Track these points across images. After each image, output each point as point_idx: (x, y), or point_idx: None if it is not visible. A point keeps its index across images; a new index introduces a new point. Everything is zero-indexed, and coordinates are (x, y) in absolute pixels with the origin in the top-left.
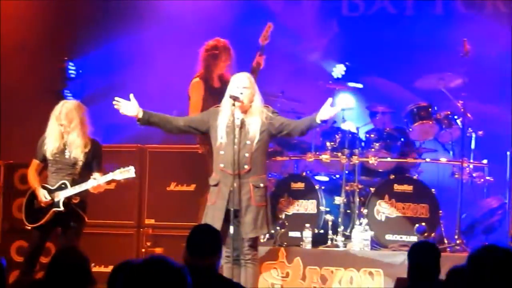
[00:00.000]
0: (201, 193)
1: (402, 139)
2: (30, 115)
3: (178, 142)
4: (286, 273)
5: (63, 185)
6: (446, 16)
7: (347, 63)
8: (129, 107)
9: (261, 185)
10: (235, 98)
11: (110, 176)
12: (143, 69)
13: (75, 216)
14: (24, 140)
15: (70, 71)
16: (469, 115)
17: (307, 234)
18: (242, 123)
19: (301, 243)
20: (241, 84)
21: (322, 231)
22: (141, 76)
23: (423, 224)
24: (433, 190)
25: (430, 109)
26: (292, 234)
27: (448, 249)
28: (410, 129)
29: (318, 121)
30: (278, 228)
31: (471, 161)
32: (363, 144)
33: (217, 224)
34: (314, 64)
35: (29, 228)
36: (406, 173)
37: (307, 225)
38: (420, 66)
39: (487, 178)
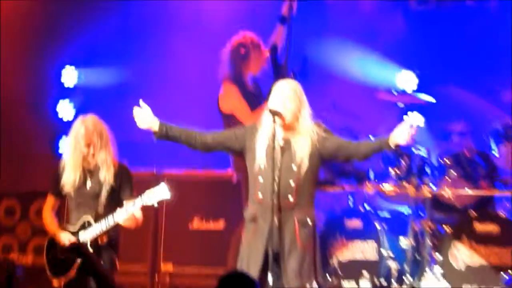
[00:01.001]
0: (232, 231)
1: (485, 166)
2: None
3: (204, 167)
4: None
5: (86, 224)
6: None
7: (416, 70)
8: (141, 117)
9: (309, 222)
10: (275, 113)
11: (138, 201)
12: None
13: (105, 259)
14: (11, 163)
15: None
16: None
17: (366, 285)
18: (287, 144)
19: None
20: (283, 95)
21: (384, 281)
22: (159, 87)
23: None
24: None
25: None
26: (346, 284)
27: None
28: (496, 153)
29: (392, 146)
30: (328, 277)
31: None
32: (436, 172)
33: (254, 270)
34: (373, 71)
35: (56, 285)
36: (490, 209)
37: (366, 273)
38: (508, 73)
39: None
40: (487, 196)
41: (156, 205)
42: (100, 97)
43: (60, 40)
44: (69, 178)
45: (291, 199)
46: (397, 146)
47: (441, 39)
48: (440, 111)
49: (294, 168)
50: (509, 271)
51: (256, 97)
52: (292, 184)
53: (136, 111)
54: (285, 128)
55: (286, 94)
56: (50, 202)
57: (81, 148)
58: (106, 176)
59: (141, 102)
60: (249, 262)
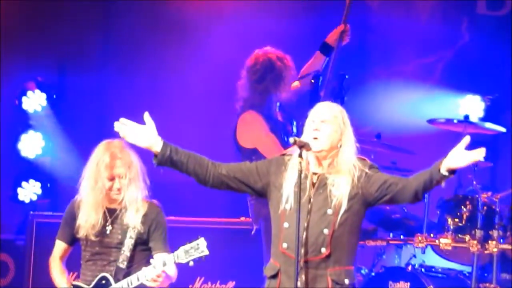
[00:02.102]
0: None
1: None
2: None
3: (210, 214)
4: None
5: (103, 281)
6: None
7: (489, 96)
8: (141, 133)
9: (346, 281)
10: (301, 145)
11: (170, 259)
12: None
13: None
14: None
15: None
16: None
17: None
18: (322, 182)
19: None
20: (318, 117)
21: None
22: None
23: None
24: None
25: None
26: None
27: None
28: None
29: (444, 172)
30: None
31: None
32: (505, 223)
33: None
34: (429, 94)
35: None
36: None
37: None
38: None
39: None
40: None
41: (192, 263)
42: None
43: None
44: (87, 220)
45: (324, 251)
46: (453, 171)
47: None
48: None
49: (330, 212)
50: None
51: (285, 129)
52: (326, 232)
53: (136, 125)
54: (319, 161)
55: (324, 116)
56: (59, 249)
57: (104, 182)
58: (133, 219)
59: (146, 115)
60: None
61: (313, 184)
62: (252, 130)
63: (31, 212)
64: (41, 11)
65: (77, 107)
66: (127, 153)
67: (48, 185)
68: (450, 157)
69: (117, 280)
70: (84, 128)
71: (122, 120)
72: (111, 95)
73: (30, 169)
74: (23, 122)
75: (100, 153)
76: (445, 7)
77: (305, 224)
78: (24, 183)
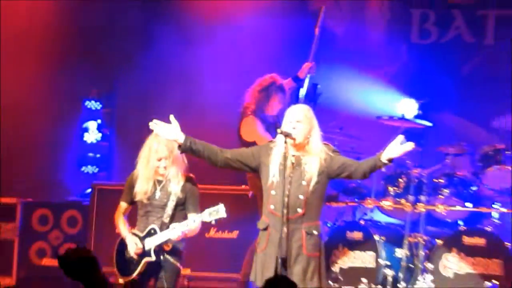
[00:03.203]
0: (245, 241)
1: (475, 186)
2: (49, 146)
3: (221, 183)
4: None
5: (152, 231)
6: None
7: (421, 100)
8: (168, 130)
9: (315, 232)
10: (286, 135)
11: (199, 218)
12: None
13: (168, 265)
14: (43, 175)
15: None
16: None
17: None
18: (298, 162)
19: None
20: (294, 118)
21: (380, 287)
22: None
23: (496, 282)
24: (508, 244)
25: (507, 152)
26: None
27: None
28: (485, 175)
29: (384, 160)
30: (330, 282)
31: None
32: (430, 190)
33: (267, 275)
34: (378, 97)
35: (122, 282)
36: (478, 224)
37: (364, 280)
38: (499, 103)
39: None
40: (475, 213)
41: (214, 222)
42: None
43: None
44: (142, 188)
45: (300, 211)
46: (390, 160)
47: (439, 70)
48: (436, 135)
49: (304, 183)
50: (493, 280)
51: (275, 128)
52: (301, 197)
53: (165, 124)
54: (296, 147)
55: (298, 117)
56: (122, 207)
57: (154, 162)
58: (175, 189)
59: (171, 117)
60: (263, 268)
61: (292, 164)
62: (253, 130)
63: (93, 182)
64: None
65: (125, 107)
66: (170, 141)
67: (104, 163)
68: (388, 149)
69: (162, 230)
70: (129, 123)
71: (154, 120)
72: (150, 98)
73: (93, 150)
74: (87, 117)
75: (151, 141)
76: (390, 36)
77: (287, 192)
78: (89, 155)
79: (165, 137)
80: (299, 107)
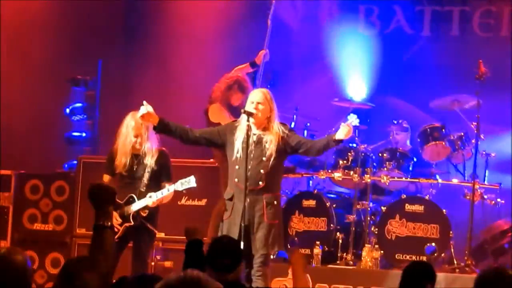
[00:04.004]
0: (212, 208)
1: (414, 159)
2: (40, 124)
3: (190, 157)
4: None
5: (130, 199)
6: (462, 37)
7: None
8: (145, 112)
9: (275, 202)
10: (249, 114)
11: (172, 188)
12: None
13: (145, 229)
14: (35, 150)
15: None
16: (482, 136)
17: (317, 252)
18: (259, 140)
19: (311, 260)
20: (255, 99)
21: (332, 249)
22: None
23: (433, 244)
24: (444, 210)
25: (443, 130)
26: (302, 251)
27: (458, 270)
28: (423, 150)
29: (335, 140)
30: (288, 245)
31: (483, 183)
32: (375, 163)
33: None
34: (329, 82)
35: None
36: (417, 193)
37: (318, 242)
38: (435, 87)
39: (499, 200)
40: (415, 183)
41: (184, 191)
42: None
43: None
44: (121, 162)
45: (261, 184)
46: (339, 141)
47: (383, 58)
48: (380, 115)
49: (264, 159)
50: (432, 243)
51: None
52: (262, 172)
53: (142, 108)
54: (258, 126)
55: (259, 99)
56: (105, 179)
57: (131, 138)
58: (150, 161)
59: (144, 102)
60: (229, 233)
61: (254, 141)
62: (219, 115)
63: (79, 156)
64: None
65: (107, 91)
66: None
67: (89, 139)
68: (339, 131)
69: (139, 198)
70: (110, 104)
71: (145, 102)
72: (130, 84)
73: (79, 127)
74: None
75: (129, 118)
76: (338, 27)
77: (249, 167)
78: (75, 134)
79: (143, 120)
80: (261, 90)
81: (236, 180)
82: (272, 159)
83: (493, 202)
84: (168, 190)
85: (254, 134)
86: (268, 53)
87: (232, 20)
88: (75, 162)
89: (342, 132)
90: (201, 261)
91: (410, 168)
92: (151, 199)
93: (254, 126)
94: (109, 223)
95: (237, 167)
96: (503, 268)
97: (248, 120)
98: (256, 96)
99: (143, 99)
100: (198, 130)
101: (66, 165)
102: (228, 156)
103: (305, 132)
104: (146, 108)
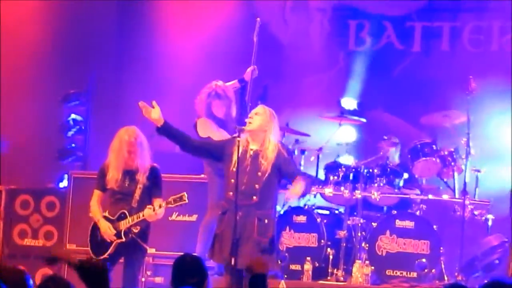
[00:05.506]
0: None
1: (405, 175)
2: (31, 140)
3: (181, 172)
4: None
5: (122, 215)
6: (452, 53)
7: (357, 100)
8: (153, 112)
9: (266, 220)
10: (239, 130)
11: (164, 205)
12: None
13: (136, 246)
14: (25, 166)
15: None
16: (473, 152)
17: (308, 267)
18: (255, 155)
19: (301, 276)
20: (254, 110)
21: (323, 264)
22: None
23: (424, 260)
24: (434, 226)
25: (434, 146)
26: (292, 267)
27: None
28: (414, 166)
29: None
30: (279, 261)
31: (474, 198)
32: (366, 179)
33: (225, 254)
34: (320, 97)
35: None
36: (408, 209)
37: (308, 258)
38: (426, 102)
39: (489, 216)
40: (406, 199)
41: (176, 208)
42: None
43: None
44: (113, 177)
45: (254, 198)
46: (287, 199)
47: (374, 73)
48: (371, 130)
49: (259, 174)
50: (422, 259)
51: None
52: (257, 187)
53: (148, 107)
54: (253, 139)
55: (258, 110)
56: (96, 195)
57: (124, 153)
58: (141, 177)
59: (154, 103)
60: (221, 247)
61: (250, 156)
62: (206, 128)
63: (70, 171)
64: None
65: (99, 105)
66: (139, 134)
67: (80, 154)
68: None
69: (131, 214)
70: (103, 118)
71: (142, 102)
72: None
73: (70, 142)
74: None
75: (122, 134)
76: (329, 42)
77: (244, 181)
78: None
79: (148, 116)
80: (264, 106)
81: (230, 193)
82: (267, 174)
83: (483, 218)
84: (160, 206)
85: (252, 149)
86: (256, 69)
87: (226, 33)
88: (66, 177)
89: (290, 195)
90: None
91: (401, 184)
92: (152, 211)
93: (252, 141)
94: None
95: (232, 180)
96: (502, 282)
97: (239, 136)
98: (257, 109)
99: (135, 115)
100: (198, 140)
101: (57, 181)
102: (225, 170)
103: (296, 147)
104: (156, 106)
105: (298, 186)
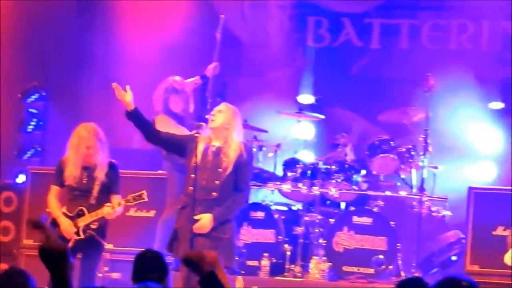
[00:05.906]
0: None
1: (363, 172)
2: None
3: (139, 168)
4: None
5: (80, 212)
6: (411, 50)
7: (316, 96)
8: (125, 94)
9: None
10: (197, 126)
11: (123, 202)
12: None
13: (94, 242)
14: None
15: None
16: (430, 149)
17: (265, 263)
18: (217, 151)
19: (259, 272)
20: (217, 108)
21: (280, 260)
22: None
23: (381, 256)
24: (392, 223)
25: (392, 143)
26: (250, 263)
27: None
28: (372, 162)
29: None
30: (236, 257)
31: (431, 195)
32: (324, 175)
33: (185, 247)
34: (278, 94)
35: None
36: (365, 206)
37: (266, 254)
38: (385, 99)
39: (446, 212)
40: (363, 195)
41: (135, 206)
42: None
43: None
44: (71, 173)
45: (214, 194)
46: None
47: (332, 70)
48: (329, 127)
49: (220, 170)
50: (379, 255)
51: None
52: (217, 183)
53: (121, 89)
54: (216, 136)
55: (221, 107)
56: (54, 190)
57: (82, 149)
58: (100, 174)
59: (127, 87)
60: (179, 242)
61: (212, 152)
62: (165, 125)
63: (28, 166)
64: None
65: (57, 101)
66: (98, 131)
67: (39, 148)
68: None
69: (89, 211)
70: (60, 114)
71: (115, 84)
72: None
73: (29, 138)
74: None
75: (80, 130)
76: (287, 39)
77: (205, 176)
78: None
79: (121, 98)
80: (227, 104)
81: (190, 188)
82: (228, 171)
83: (440, 214)
84: (119, 204)
85: (214, 146)
86: (218, 66)
87: (185, 32)
88: (23, 173)
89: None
90: None
91: (359, 180)
92: (111, 208)
93: (215, 138)
94: None
95: (193, 175)
96: (457, 278)
97: (197, 132)
98: (220, 106)
99: (92, 111)
100: (163, 131)
101: (15, 176)
102: (186, 165)
103: (254, 144)
104: (128, 91)
105: (205, 217)
